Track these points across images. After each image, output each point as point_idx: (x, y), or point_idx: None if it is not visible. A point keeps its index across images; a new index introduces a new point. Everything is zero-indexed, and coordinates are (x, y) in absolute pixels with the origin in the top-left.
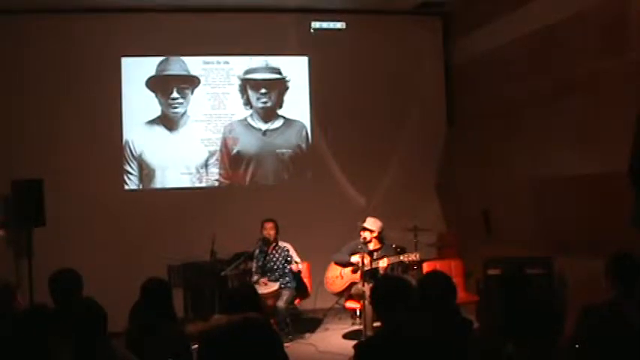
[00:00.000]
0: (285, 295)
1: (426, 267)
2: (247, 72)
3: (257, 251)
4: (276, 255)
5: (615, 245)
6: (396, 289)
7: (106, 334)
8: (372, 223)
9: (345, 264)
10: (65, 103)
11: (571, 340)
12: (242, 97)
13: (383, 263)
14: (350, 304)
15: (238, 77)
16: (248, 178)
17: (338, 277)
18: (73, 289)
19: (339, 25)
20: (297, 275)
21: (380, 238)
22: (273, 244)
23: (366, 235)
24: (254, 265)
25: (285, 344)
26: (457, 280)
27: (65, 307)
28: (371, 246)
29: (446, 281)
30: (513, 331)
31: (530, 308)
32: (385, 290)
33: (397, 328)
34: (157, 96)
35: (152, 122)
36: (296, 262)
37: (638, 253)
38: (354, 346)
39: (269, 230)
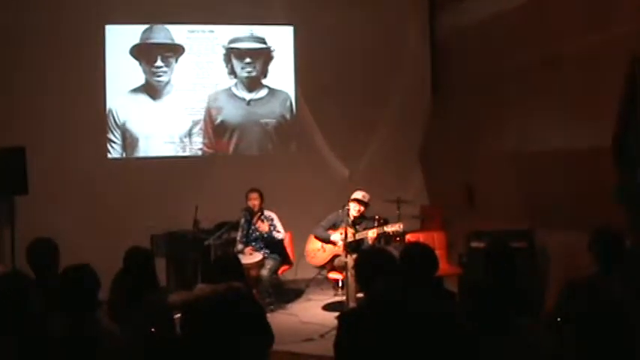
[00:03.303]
0: (269, 264)
1: (409, 239)
2: (232, 41)
3: (242, 220)
4: (262, 224)
5: (598, 220)
6: (379, 262)
7: (97, 303)
8: (366, 197)
9: (326, 241)
10: (48, 71)
11: (553, 313)
12: (226, 66)
13: (372, 234)
14: (333, 275)
15: (223, 46)
16: (232, 148)
17: (320, 249)
18: (48, 258)
19: None
20: (280, 244)
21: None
22: (259, 214)
23: (360, 208)
24: (239, 235)
25: (267, 314)
26: (440, 252)
27: (43, 276)
28: (351, 218)
29: (427, 252)
30: (496, 303)
31: (514, 281)
32: (368, 263)
33: (380, 299)
34: (140, 64)
35: (136, 91)
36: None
37: (621, 228)
38: (338, 317)
39: (253, 200)
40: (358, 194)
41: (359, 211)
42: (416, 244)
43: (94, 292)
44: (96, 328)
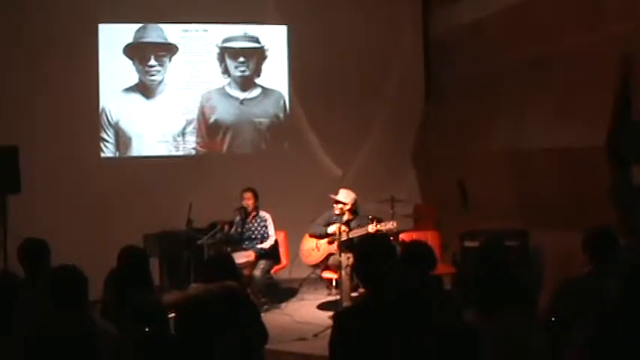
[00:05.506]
0: (262, 264)
1: (403, 238)
2: (226, 40)
3: (237, 218)
4: (255, 224)
5: (592, 219)
6: (381, 251)
7: (87, 300)
8: (345, 196)
9: (322, 236)
10: (41, 70)
11: (546, 312)
12: (220, 65)
13: (372, 229)
14: (326, 274)
15: (217, 45)
16: (225, 147)
17: (314, 249)
18: (40, 257)
19: None
20: (273, 247)
21: (354, 210)
22: (253, 214)
23: (340, 207)
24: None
25: (261, 314)
26: None
27: (34, 275)
28: (345, 217)
29: (427, 250)
30: (490, 302)
31: (507, 280)
32: (371, 250)
33: (379, 297)
34: (134, 63)
35: (129, 90)
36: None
37: (615, 228)
38: (333, 316)
39: (246, 200)
40: (340, 194)
41: (341, 209)
42: (416, 242)
43: (83, 288)
44: (91, 325)
